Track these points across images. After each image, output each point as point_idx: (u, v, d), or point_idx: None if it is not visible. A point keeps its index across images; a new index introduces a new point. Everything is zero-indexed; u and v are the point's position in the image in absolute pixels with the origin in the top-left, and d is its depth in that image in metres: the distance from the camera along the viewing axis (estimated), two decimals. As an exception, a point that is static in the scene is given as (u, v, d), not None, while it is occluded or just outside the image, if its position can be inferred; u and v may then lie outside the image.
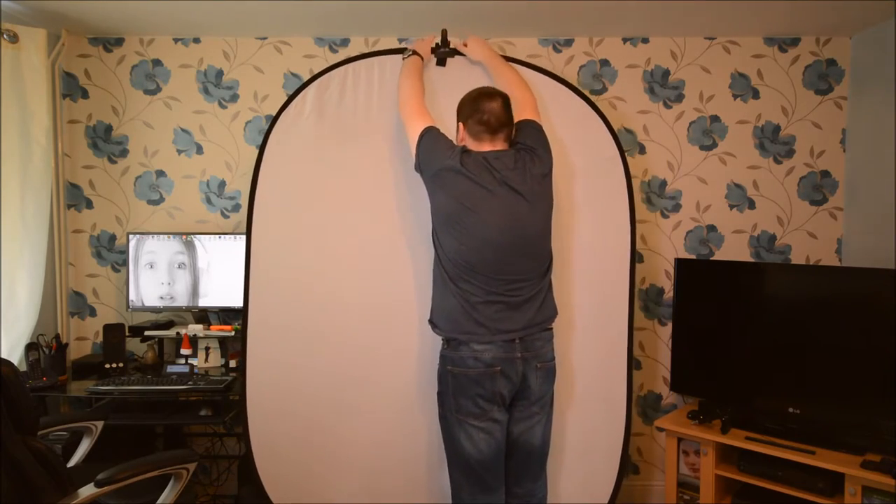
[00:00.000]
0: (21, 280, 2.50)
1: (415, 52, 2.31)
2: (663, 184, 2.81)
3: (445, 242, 1.95)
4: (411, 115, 2.11)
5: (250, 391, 2.31)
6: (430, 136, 2.01)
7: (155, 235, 2.67)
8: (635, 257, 2.50)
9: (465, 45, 2.41)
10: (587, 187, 2.44)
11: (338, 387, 2.34)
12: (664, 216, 2.82)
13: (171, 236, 2.67)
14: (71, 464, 2.12)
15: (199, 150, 2.81)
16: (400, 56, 2.36)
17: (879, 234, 2.56)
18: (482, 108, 1.96)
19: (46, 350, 2.49)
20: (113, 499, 1.82)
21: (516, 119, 2.07)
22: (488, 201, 1.89)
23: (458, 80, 2.41)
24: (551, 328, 2.06)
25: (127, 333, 2.63)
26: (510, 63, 2.38)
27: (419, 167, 2.03)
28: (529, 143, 2.01)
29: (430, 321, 2.07)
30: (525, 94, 2.21)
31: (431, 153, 1.98)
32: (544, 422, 2.03)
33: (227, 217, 2.82)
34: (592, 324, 2.42)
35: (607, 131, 2.45)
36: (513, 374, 1.92)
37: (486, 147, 1.98)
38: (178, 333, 2.64)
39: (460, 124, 2.04)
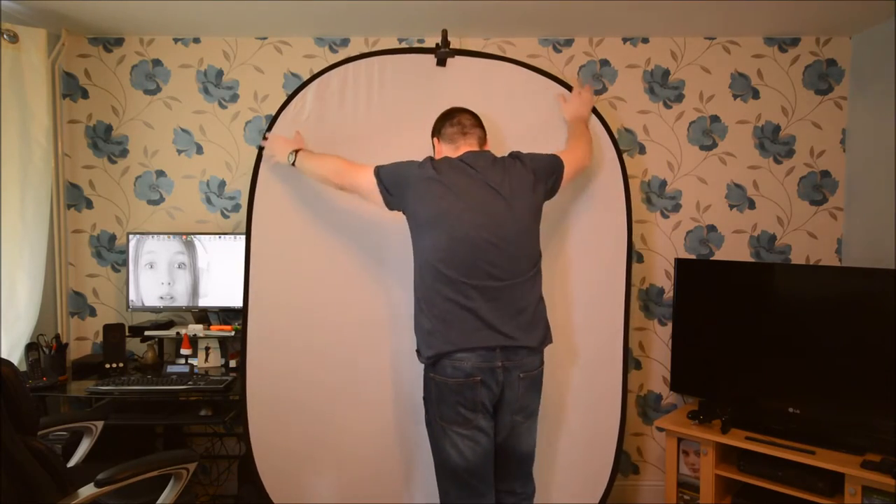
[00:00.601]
0: (21, 280, 2.50)
1: (299, 150, 2.20)
2: (663, 184, 2.81)
3: (425, 252, 1.91)
4: (349, 173, 2.06)
5: (250, 390, 2.31)
6: (386, 167, 2.01)
7: (155, 235, 2.67)
8: (632, 258, 2.50)
9: (564, 100, 2.41)
10: (585, 189, 2.44)
11: (338, 386, 2.34)
12: (664, 216, 2.82)
13: (171, 236, 2.67)
14: (71, 464, 2.13)
15: (199, 150, 2.81)
16: (404, 56, 2.38)
17: (879, 234, 2.56)
18: (453, 116, 2.07)
19: (46, 350, 2.49)
20: (113, 499, 1.82)
21: None
22: (463, 200, 1.88)
23: (458, 80, 2.42)
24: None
25: (127, 333, 2.63)
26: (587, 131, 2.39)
27: (389, 194, 1.98)
28: (518, 155, 2.04)
29: (417, 351, 2.00)
30: (577, 150, 2.23)
31: (398, 175, 1.98)
32: (530, 428, 2.02)
33: (227, 217, 2.82)
34: (589, 324, 2.42)
35: (605, 133, 2.46)
36: (493, 384, 1.88)
37: (462, 149, 2.00)
38: (178, 333, 2.64)
39: (435, 139, 2.10)
